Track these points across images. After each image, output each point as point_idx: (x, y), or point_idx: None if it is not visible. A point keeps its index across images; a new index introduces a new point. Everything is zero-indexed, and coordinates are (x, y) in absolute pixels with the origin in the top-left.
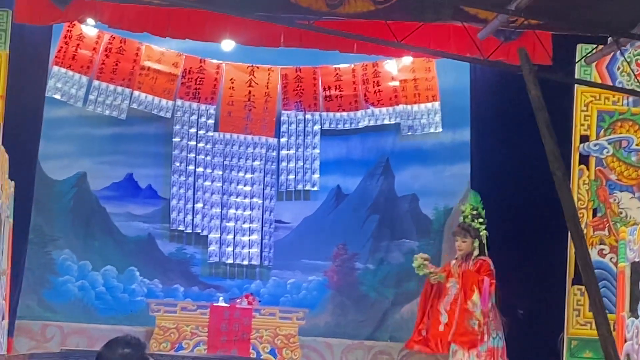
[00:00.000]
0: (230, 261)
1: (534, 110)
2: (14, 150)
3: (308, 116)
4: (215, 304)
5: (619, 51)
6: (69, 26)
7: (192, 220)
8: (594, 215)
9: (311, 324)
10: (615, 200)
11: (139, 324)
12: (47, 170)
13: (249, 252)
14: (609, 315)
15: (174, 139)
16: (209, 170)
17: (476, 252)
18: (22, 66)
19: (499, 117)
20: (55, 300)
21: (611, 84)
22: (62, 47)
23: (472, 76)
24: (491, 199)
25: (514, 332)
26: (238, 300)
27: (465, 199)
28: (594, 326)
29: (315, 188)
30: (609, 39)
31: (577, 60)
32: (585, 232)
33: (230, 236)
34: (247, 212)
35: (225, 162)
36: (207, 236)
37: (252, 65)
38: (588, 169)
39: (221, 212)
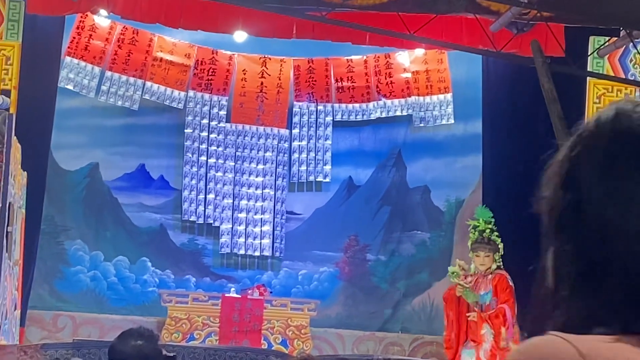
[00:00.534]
0: (241, 252)
1: (547, 102)
2: (26, 141)
3: (320, 107)
4: (226, 295)
5: (631, 43)
6: (81, 17)
7: (204, 211)
8: None
9: (322, 315)
10: None
11: (150, 315)
12: (59, 160)
13: (261, 243)
14: None
15: (186, 130)
16: (220, 161)
17: (494, 266)
18: (35, 57)
19: (510, 109)
20: (67, 290)
21: (624, 76)
22: (74, 38)
23: (484, 68)
24: (502, 190)
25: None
26: (249, 291)
27: (475, 192)
28: None
29: (327, 179)
30: (622, 32)
31: (589, 52)
32: None
33: (242, 227)
34: (259, 203)
35: (237, 153)
36: (218, 227)
37: (264, 57)
38: None
39: (233, 203)
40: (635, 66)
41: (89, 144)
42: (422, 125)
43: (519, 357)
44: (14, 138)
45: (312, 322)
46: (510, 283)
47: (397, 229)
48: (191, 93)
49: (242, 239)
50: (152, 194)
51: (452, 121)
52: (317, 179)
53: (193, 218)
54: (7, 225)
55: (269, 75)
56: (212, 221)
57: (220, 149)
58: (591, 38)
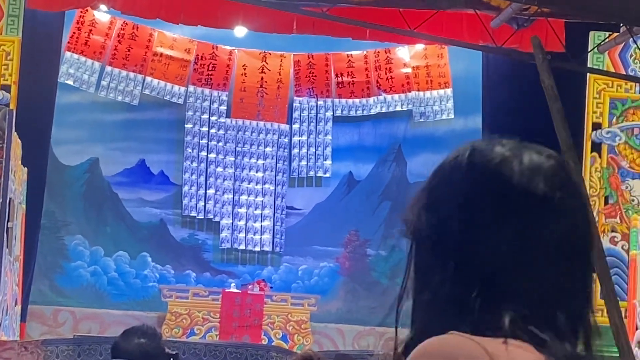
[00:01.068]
0: (242, 247)
1: (548, 99)
2: (26, 137)
3: (320, 103)
4: (227, 290)
5: (631, 39)
6: (81, 12)
7: (204, 206)
8: (606, 202)
9: (323, 310)
10: (627, 187)
11: (151, 310)
12: (59, 156)
13: (261, 238)
14: (620, 303)
15: (186, 125)
16: (221, 157)
17: None
18: (35, 52)
19: (510, 104)
20: (67, 285)
21: (624, 72)
22: (74, 33)
23: (484, 63)
24: None
25: None
26: (250, 287)
27: None
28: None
29: (327, 174)
30: (622, 27)
31: (590, 48)
32: (597, 219)
33: (242, 222)
34: (259, 199)
35: (237, 149)
36: (219, 222)
37: (264, 52)
38: (600, 157)
39: (233, 198)
40: (635, 61)
41: (89, 139)
42: (422, 120)
43: (424, 356)
44: (14, 134)
45: (312, 317)
46: None
47: (397, 224)
48: (191, 88)
49: (242, 234)
50: (152, 189)
51: (452, 116)
52: (317, 174)
53: (193, 213)
54: (8, 221)
55: (269, 70)
56: (212, 216)
57: (221, 144)
58: (591, 33)
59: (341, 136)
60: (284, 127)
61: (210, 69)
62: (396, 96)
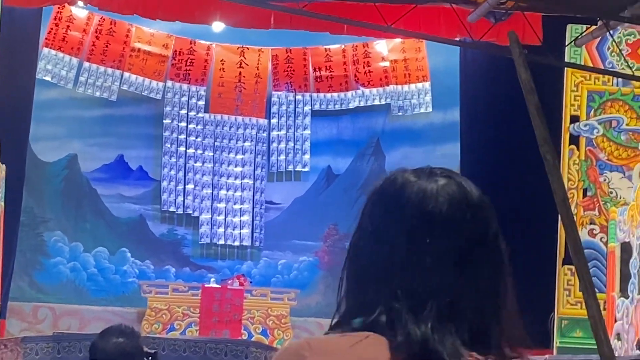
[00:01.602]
0: (221, 242)
1: (524, 94)
2: (4, 133)
3: (298, 97)
4: (206, 285)
5: (608, 33)
6: (59, 8)
7: (183, 201)
8: (584, 195)
9: (302, 305)
10: (605, 180)
11: (130, 305)
12: (38, 152)
13: (240, 233)
14: (599, 295)
15: (164, 121)
16: (199, 152)
17: None
18: (13, 49)
19: (488, 97)
20: (46, 281)
21: (601, 64)
22: (52, 29)
23: (462, 56)
24: (480, 178)
25: None
26: (229, 281)
27: None
28: (584, 306)
29: (306, 169)
30: (599, 21)
31: (567, 42)
32: (575, 212)
33: (221, 217)
34: (238, 193)
35: (215, 144)
36: (198, 217)
37: (242, 47)
38: (578, 149)
39: (212, 193)
40: (612, 54)
41: (68, 136)
42: (400, 114)
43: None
44: None
45: (292, 311)
46: None
47: None
48: (169, 83)
49: (221, 229)
50: (131, 185)
51: (431, 110)
52: (296, 169)
53: (172, 208)
54: None
55: (247, 65)
56: (191, 211)
57: (199, 139)
58: (569, 26)
59: (320, 130)
60: (263, 121)
61: (188, 64)
62: (374, 90)
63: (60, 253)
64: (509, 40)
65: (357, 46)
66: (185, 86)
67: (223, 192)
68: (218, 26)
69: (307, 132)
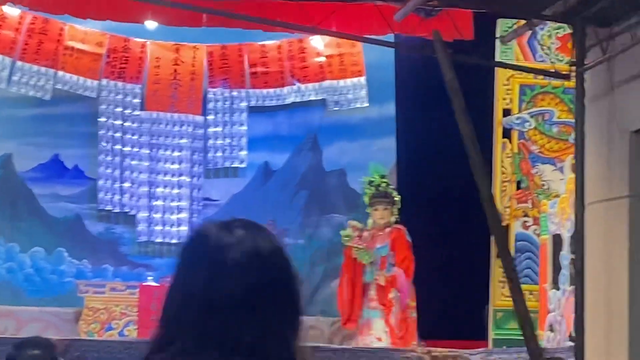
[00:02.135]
0: (159, 240)
1: (450, 94)
2: None
3: (235, 93)
4: (144, 284)
5: (531, 31)
6: None
7: (120, 199)
8: (518, 187)
9: None
10: (537, 172)
11: (68, 305)
12: None
13: (178, 230)
14: (532, 287)
15: (99, 119)
16: (136, 149)
17: (394, 219)
18: None
19: (423, 91)
20: None
21: (532, 58)
22: None
23: (397, 50)
24: (417, 170)
25: (438, 303)
26: (168, 279)
27: (391, 173)
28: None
29: (243, 165)
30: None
31: (497, 35)
32: (509, 205)
33: (159, 215)
34: (176, 191)
35: (152, 141)
36: (135, 215)
37: (177, 44)
38: (511, 143)
39: (149, 191)
40: (543, 47)
41: (2, 135)
42: (336, 109)
43: None
44: None
45: None
46: (408, 238)
47: (314, 212)
48: (104, 81)
49: (159, 227)
50: (67, 184)
51: (367, 104)
52: (234, 165)
53: (109, 207)
54: None
55: (183, 62)
56: (128, 210)
57: (135, 137)
58: (499, 20)
59: (256, 126)
60: (199, 118)
61: (122, 62)
62: (310, 85)
63: None
64: (433, 39)
65: (292, 42)
66: (120, 84)
67: (160, 189)
68: (151, 24)
69: (244, 128)
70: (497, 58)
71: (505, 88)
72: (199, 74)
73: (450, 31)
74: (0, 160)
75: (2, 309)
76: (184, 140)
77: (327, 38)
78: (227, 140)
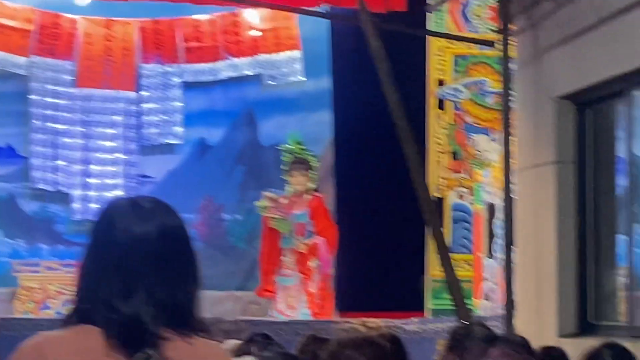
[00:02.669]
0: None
1: (375, 62)
2: None
3: (168, 69)
4: None
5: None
6: None
7: (55, 178)
8: (454, 158)
9: None
10: (472, 143)
11: (3, 285)
12: None
13: None
14: (467, 257)
15: (31, 97)
16: (69, 127)
17: (311, 185)
18: None
19: (359, 64)
20: None
21: (465, 28)
22: None
23: (333, 24)
24: (354, 143)
25: (373, 274)
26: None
27: (328, 147)
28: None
29: (179, 141)
30: None
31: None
32: (445, 175)
33: (94, 193)
34: (110, 168)
35: (85, 118)
36: (70, 194)
37: (108, 19)
38: (445, 113)
39: (84, 169)
40: (474, 17)
41: None
42: (272, 83)
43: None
44: None
45: None
46: (327, 207)
47: (252, 187)
48: (34, 58)
49: (94, 205)
50: None
51: (303, 78)
52: (169, 141)
53: (43, 186)
54: None
55: (115, 38)
56: (63, 188)
57: (68, 114)
58: None
59: (192, 102)
60: (133, 94)
61: (53, 38)
62: (245, 60)
63: None
64: (358, 6)
65: (225, 16)
66: (51, 61)
67: (95, 167)
68: (82, 0)
69: (179, 104)
70: (429, 28)
71: (439, 58)
72: (132, 49)
73: (383, 2)
74: None
75: None
76: (117, 117)
77: (262, 12)
78: (162, 117)
